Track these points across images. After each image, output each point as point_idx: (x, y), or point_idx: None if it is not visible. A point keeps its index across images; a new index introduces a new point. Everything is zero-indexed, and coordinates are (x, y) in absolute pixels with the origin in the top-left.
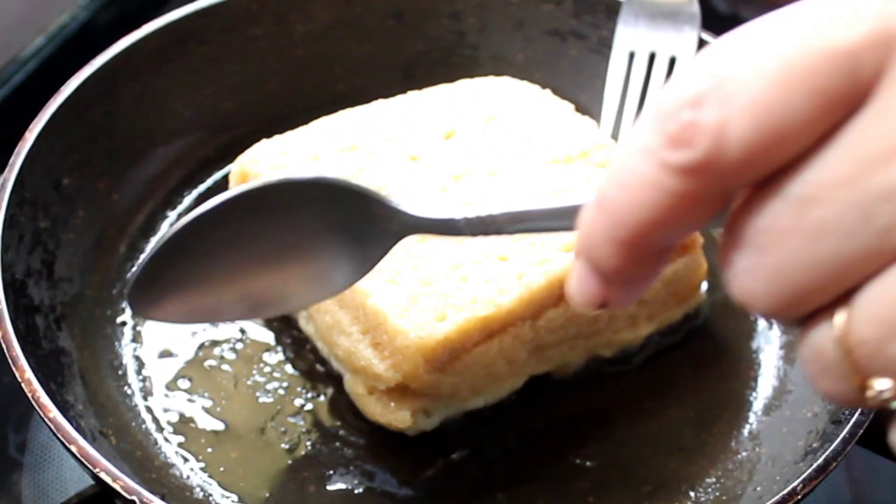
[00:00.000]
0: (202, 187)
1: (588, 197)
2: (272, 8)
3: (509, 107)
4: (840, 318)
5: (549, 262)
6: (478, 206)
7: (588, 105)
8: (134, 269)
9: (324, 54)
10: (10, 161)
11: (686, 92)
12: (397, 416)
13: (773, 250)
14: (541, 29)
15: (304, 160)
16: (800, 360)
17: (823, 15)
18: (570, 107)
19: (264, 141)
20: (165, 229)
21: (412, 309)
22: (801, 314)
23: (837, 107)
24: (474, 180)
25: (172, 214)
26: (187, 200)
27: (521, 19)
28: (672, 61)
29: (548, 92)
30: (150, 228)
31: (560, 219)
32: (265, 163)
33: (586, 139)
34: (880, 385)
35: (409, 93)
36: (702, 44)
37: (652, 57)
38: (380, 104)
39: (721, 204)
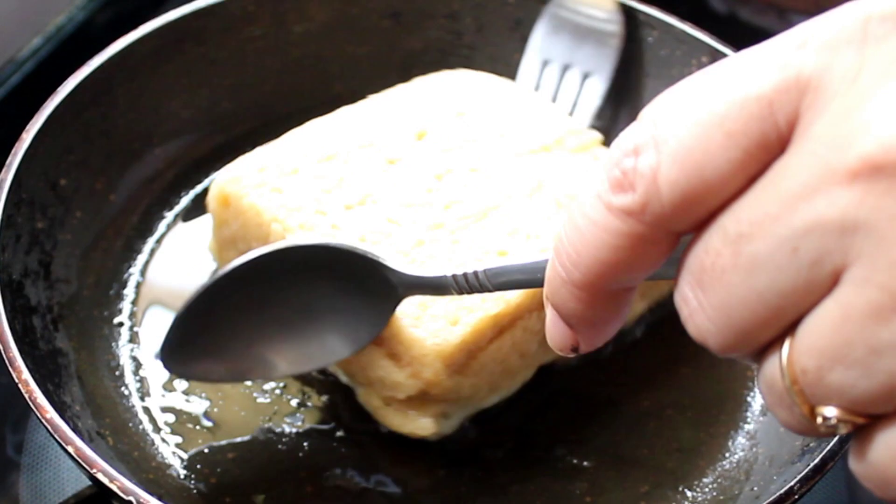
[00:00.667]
0: (199, 187)
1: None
2: (269, 8)
3: (477, 100)
4: (785, 350)
5: (546, 252)
6: (465, 265)
7: None
8: (164, 334)
9: (321, 55)
10: (7, 162)
11: (629, 142)
12: (419, 425)
13: (715, 287)
14: None
15: (284, 174)
16: (759, 392)
17: (742, 67)
18: (536, 95)
19: (240, 159)
20: (162, 230)
21: (424, 316)
22: (752, 350)
23: (760, 150)
24: (457, 178)
25: (169, 215)
26: (185, 201)
27: (518, 19)
28: (586, 76)
29: (511, 82)
30: (147, 229)
31: (535, 273)
32: (245, 181)
33: (559, 127)
34: (827, 413)
35: (370, 96)
36: (714, 53)
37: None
38: (346, 110)
39: (667, 246)
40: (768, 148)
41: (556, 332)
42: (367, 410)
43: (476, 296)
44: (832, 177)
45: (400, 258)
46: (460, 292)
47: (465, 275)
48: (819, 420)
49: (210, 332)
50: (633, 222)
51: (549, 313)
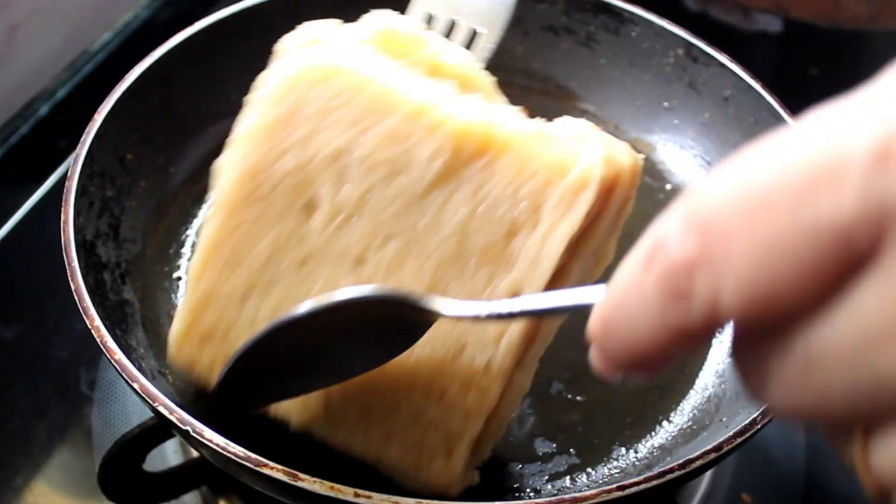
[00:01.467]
0: None
1: (595, 296)
2: (307, 8)
3: (360, 127)
4: (857, 444)
5: (503, 335)
6: (499, 304)
7: (579, 90)
8: (217, 379)
9: None
10: (82, 139)
11: (677, 250)
12: (463, 484)
13: (779, 392)
14: (537, 25)
15: (247, 333)
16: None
17: (812, 183)
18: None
19: (187, 331)
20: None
21: (422, 457)
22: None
23: (835, 278)
24: (382, 255)
25: None
26: None
27: (520, 16)
28: (473, 33)
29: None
30: (201, 197)
31: (566, 311)
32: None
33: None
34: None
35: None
36: (689, 46)
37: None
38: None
39: (714, 333)
40: (844, 275)
41: (605, 368)
42: None
43: (458, 415)
44: None
45: (440, 299)
46: (489, 321)
47: (497, 313)
48: (877, 487)
49: (258, 376)
50: (689, 329)
51: (598, 353)
